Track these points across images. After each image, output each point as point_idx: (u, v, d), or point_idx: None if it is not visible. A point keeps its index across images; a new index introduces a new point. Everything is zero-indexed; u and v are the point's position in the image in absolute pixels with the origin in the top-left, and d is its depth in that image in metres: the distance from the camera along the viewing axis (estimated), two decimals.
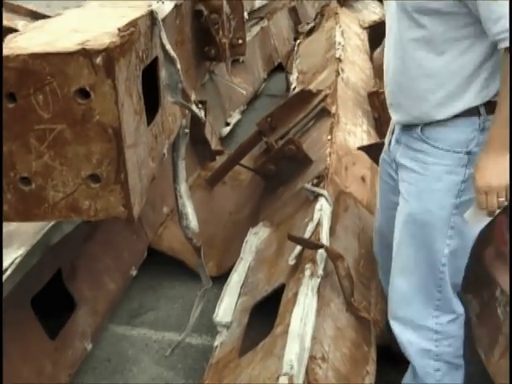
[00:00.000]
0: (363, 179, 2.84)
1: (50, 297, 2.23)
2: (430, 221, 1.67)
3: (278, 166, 2.87)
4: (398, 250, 1.80)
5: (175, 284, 2.91)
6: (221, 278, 2.69)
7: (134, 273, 2.74)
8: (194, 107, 1.84)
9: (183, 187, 2.19)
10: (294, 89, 4.05)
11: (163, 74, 1.84)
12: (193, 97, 2.16)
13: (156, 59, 1.82)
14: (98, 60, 1.44)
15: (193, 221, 2.19)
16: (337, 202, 2.50)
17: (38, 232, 2.09)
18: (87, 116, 1.46)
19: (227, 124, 4.32)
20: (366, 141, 3.21)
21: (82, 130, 1.46)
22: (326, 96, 3.18)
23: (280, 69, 5.75)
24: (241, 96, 4.63)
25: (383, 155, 1.95)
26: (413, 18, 1.57)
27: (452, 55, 1.55)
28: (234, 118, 4.45)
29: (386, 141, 1.95)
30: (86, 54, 1.44)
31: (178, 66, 1.77)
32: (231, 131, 4.35)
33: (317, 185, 2.54)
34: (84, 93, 1.44)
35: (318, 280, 1.96)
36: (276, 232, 2.62)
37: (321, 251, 2.07)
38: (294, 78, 4.29)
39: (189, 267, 2.90)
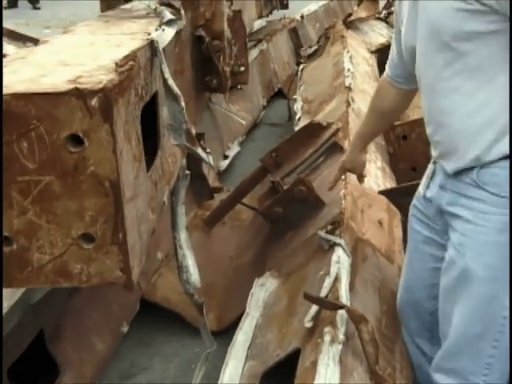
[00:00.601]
0: (380, 223, 2.77)
1: (29, 362, 2.08)
2: (493, 276, 1.62)
3: (287, 208, 2.79)
4: (447, 306, 1.75)
5: (171, 340, 2.81)
6: (222, 334, 2.68)
7: (125, 329, 2.62)
8: (200, 151, 1.72)
9: (183, 236, 2.12)
10: (299, 119, 4.02)
11: (164, 112, 1.75)
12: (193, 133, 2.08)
13: (155, 94, 1.74)
14: (94, 102, 1.32)
15: (194, 274, 2.11)
16: (354, 251, 2.40)
17: (17, 289, 1.96)
18: (80, 166, 1.34)
19: (225, 157, 4.28)
20: (381, 179, 3.15)
21: (74, 182, 1.35)
22: (337, 130, 3.10)
23: (280, 95, 5.74)
24: (239, 126, 4.62)
25: (415, 202, 1.91)
26: (452, 48, 1.54)
27: (504, 79, 1.52)
28: (233, 150, 4.41)
29: (422, 186, 1.86)
30: (79, 94, 1.32)
31: (183, 103, 1.69)
32: (230, 165, 4.32)
33: (332, 232, 2.45)
34: (76, 139, 1.33)
35: (340, 347, 1.83)
36: (285, 284, 2.52)
37: (341, 312, 1.95)
38: (298, 106, 4.25)
39: (186, 320, 2.81)
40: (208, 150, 1.83)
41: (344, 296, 2.05)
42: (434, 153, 1.80)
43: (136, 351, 2.72)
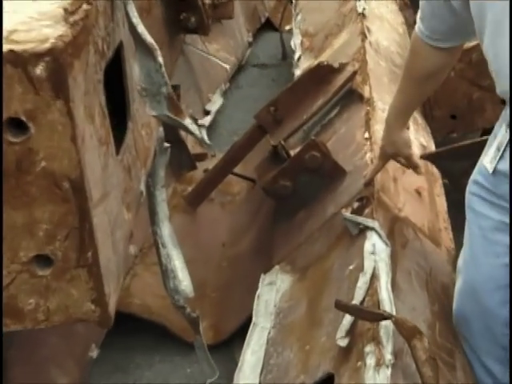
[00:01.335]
0: (419, 193, 2.66)
1: None
2: None
3: (296, 181, 2.67)
4: None
5: (154, 361, 2.73)
6: (220, 348, 2.63)
7: (94, 354, 2.53)
8: (189, 123, 1.57)
9: (166, 230, 2.06)
10: (299, 59, 3.86)
11: (135, 71, 1.61)
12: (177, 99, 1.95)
13: (120, 45, 1.61)
14: (39, 70, 1.15)
15: (184, 280, 2.04)
16: (390, 234, 2.27)
17: None
18: (25, 163, 1.21)
19: (206, 112, 4.11)
20: (413, 133, 2.97)
21: (18, 185, 1.21)
22: (354, 73, 2.96)
23: (269, 27, 5.60)
24: (221, 71, 4.50)
25: (477, 178, 1.87)
26: None
27: None
28: (215, 103, 4.27)
29: (489, 159, 1.78)
30: (16, 60, 1.15)
31: (160, 58, 1.56)
32: (212, 122, 4.16)
33: (360, 211, 2.33)
34: (17, 125, 1.19)
35: (389, 371, 1.71)
36: (302, 282, 2.41)
37: (385, 323, 1.82)
38: (296, 42, 4.09)
39: (172, 333, 2.73)
40: (200, 122, 1.67)
41: (387, 300, 1.92)
42: (508, 115, 1.72)
43: (111, 378, 2.64)
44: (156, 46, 1.56)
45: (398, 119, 2.18)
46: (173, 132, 3.31)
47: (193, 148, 3.72)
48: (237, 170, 3.36)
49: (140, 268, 2.91)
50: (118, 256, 1.45)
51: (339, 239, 2.38)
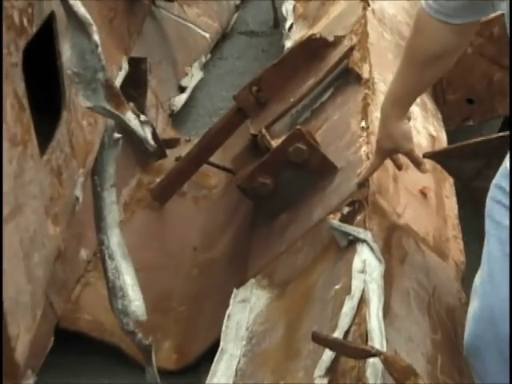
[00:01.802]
0: (424, 194, 2.60)
1: None
2: None
3: (278, 178, 2.59)
4: None
5: None
6: (187, 372, 2.63)
7: (30, 382, 2.40)
8: (131, 118, 1.48)
9: (115, 238, 2.03)
10: (291, 28, 3.83)
11: (66, 52, 1.52)
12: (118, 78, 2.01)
13: (51, 17, 1.57)
14: None
15: (135, 299, 2.05)
16: (387, 246, 2.23)
17: None
18: None
19: (181, 89, 4.10)
20: (419, 120, 2.94)
21: None
22: (351, 48, 2.88)
23: None
24: (201, 40, 4.45)
25: (500, 181, 1.83)
26: None
27: None
28: (193, 77, 4.23)
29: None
30: None
31: (95, 36, 1.51)
32: (188, 101, 4.13)
33: (350, 217, 2.26)
34: None
35: None
36: (281, 299, 2.34)
37: (374, 360, 1.75)
38: (287, 8, 4.06)
39: (126, 355, 2.65)
40: (143, 118, 1.57)
41: (377, 331, 1.84)
42: None
43: None
44: (91, 21, 1.49)
45: (396, 108, 2.11)
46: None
47: (163, 131, 3.71)
48: (214, 158, 3.31)
49: (93, 276, 2.84)
50: (34, 284, 1.35)
51: (325, 250, 2.31)
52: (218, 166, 3.35)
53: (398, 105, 2.11)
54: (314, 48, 2.97)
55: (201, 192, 3.41)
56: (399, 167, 2.31)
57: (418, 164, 2.26)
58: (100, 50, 1.48)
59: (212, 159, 3.29)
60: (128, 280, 1.99)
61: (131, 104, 1.55)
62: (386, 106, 2.14)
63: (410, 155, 2.23)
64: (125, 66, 2.21)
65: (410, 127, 2.19)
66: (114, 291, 1.96)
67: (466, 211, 2.65)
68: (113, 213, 2.01)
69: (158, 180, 3.34)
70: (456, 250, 2.50)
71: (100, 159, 1.92)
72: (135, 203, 3.25)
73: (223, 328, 2.38)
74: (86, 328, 2.68)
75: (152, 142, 1.67)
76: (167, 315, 2.81)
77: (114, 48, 2.22)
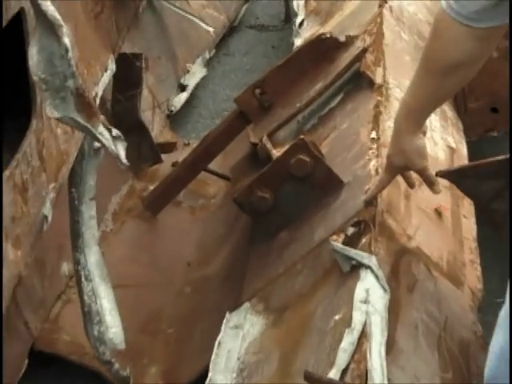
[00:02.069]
0: (439, 213, 2.56)
1: None
2: None
3: (278, 192, 2.56)
4: None
5: None
6: None
7: None
8: (102, 131, 1.43)
9: (93, 258, 2.02)
10: (301, 24, 3.79)
11: (33, 55, 1.48)
12: (98, 90, 2.11)
13: (20, 17, 1.57)
14: None
15: (113, 326, 2.03)
16: (394, 273, 2.19)
17: None
18: None
19: (182, 88, 4.09)
20: (438, 133, 2.91)
21: None
22: (364, 50, 2.85)
23: None
24: (205, 34, 4.42)
25: None
26: None
27: None
28: (194, 74, 4.22)
29: None
30: None
31: (66, 40, 1.46)
32: (189, 101, 4.13)
33: (355, 239, 2.23)
34: None
35: None
36: (276, 327, 2.31)
37: None
38: (299, 2, 4.00)
39: (107, 381, 2.55)
40: (115, 133, 1.52)
41: (378, 370, 1.81)
42: None
43: None
44: (61, 22, 1.44)
45: (410, 121, 2.07)
46: (131, 113, 3.31)
47: (160, 134, 3.71)
48: (214, 165, 3.31)
49: (75, 292, 2.69)
50: None
51: (326, 275, 2.27)
52: (217, 174, 3.35)
53: (413, 118, 2.07)
54: (324, 49, 2.95)
55: (198, 202, 3.40)
56: (411, 185, 2.26)
57: (430, 184, 2.20)
58: (71, 54, 1.45)
59: (211, 166, 3.29)
60: (106, 304, 1.96)
61: (102, 117, 1.50)
62: (399, 118, 2.10)
63: (423, 174, 2.18)
64: (111, 67, 2.17)
65: (424, 143, 2.14)
66: (89, 316, 1.94)
67: (485, 231, 2.58)
68: (91, 229, 2.00)
69: (151, 187, 3.33)
70: (473, 276, 2.46)
71: (79, 170, 1.91)
72: (125, 212, 3.23)
73: (213, 356, 2.34)
74: (65, 350, 2.67)
75: (124, 161, 1.62)
76: (155, 337, 2.80)
77: (99, 46, 2.18)
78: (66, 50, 1.43)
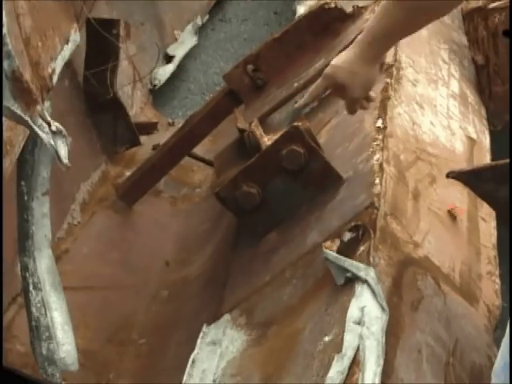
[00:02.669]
0: (453, 216, 2.57)
1: None
2: None
3: (267, 187, 2.55)
4: None
5: None
6: None
7: None
8: (37, 124, 1.37)
9: (44, 263, 2.00)
10: None
11: None
12: (55, 65, 2.05)
13: None
14: None
15: (65, 343, 1.99)
16: (396, 287, 2.17)
17: None
18: None
19: (168, 58, 4.09)
20: (457, 119, 2.91)
21: None
22: None
23: None
24: None
25: None
26: None
27: None
28: (183, 43, 4.22)
29: None
30: None
31: None
32: (176, 73, 4.11)
33: (351, 246, 2.21)
34: None
35: None
36: (259, 345, 2.29)
37: None
38: None
39: None
40: (55, 127, 1.46)
41: None
42: None
43: None
44: None
45: (373, 48, 2.20)
46: (104, 87, 3.27)
47: (140, 111, 3.70)
48: (201, 149, 3.32)
49: None
50: None
51: (318, 287, 2.24)
52: (202, 160, 3.34)
53: (376, 45, 2.19)
54: (327, 20, 2.95)
55: (180, 191, 3.41)
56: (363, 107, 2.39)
57: (348, 112, 2.37)
58: (5, 30, 1.39)
59: (198, 150, 3.29)
60: (58, 317, 1.94)
61: (40, 107, 1.42)
62: (363, 42, 2.21)
63: (351, 103, 2.33)
64: (74, 38, 2.10)
65: (376, 76, 2.29)
66: (37, 331, 1.92)
67: (504, 232, 2.55)
68: (43, 229, 1.97)
69: (127, 174, 3.32)
70: (490, 290, 2.45)
71: (30, 159, 1.88)
72: (96, 202, 3.20)
73: (185, 376, 2.32)
74: (18, 363, 2.55)
75: (65, 161, 1.55)
76: (125, 348, 2.78)
77: (59, 14, 2.10)
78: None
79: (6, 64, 1.39)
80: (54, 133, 1.50)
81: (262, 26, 4.55)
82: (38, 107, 1.43)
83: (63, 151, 1.53)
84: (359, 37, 2.24)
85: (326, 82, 2.30)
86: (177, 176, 3.34)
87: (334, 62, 2.27)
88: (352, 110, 2.36)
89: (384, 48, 2.25)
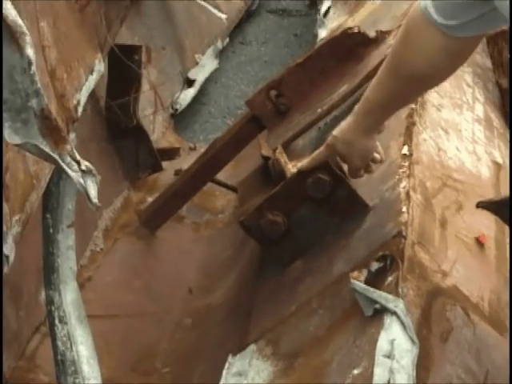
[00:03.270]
0: (480, 244, 2.53)
1: None
2: None
3: (292, 216, 2.54)
4: None
5: None
6: None
7: None
8: (70, 162, 1.37)
9: (70, 296, 1.98)
10: (327, 14, 3.78)
11: None
12: (80, 97, 2.08)
13: None
14: None
15: (91, 377, 1.96)
16: (425, 318, 2.14)
17: None
18: None
19: (189, 82, 4.08)
20: (482, 145, 2.89)
21: None
22: None
23: None
24: (217, 20, 4.44)
25: None
26: None
27: None
28: (204, 67, 4.22)
29: None
30: None
31: (30, 51, 1.40)
32: (198, 97, 4.11)
33: (378, 277, 2.20)
34: None
35: None
36: (286, 376, 2.25)
37: None
38: None
39: None
40: (85, 167, 1.45)
41: None
42: None
43: None
44: (24, 29, 1.42)
45: (369, 119, 2.23)
46: (126, 113, 3.28)
47: (162, 136, 3.70)
48: (223, 174, 3.29)
49: None
50: None
51: (346, 318, 2.22)
52: (225, 186, 3.33)
53: (372, 116, 2.21)
54: (350, 45, 2.93)
55: (203, 217, 3.40)
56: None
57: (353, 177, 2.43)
58: (34, 68, 1.38)
59: (220, 175, 3.27)
60: (83, 351, 1.91)
61: (70, 146, 1.41)
62: (359, 112, 2.24)
63: (352, 172, 2.39)
64: (98, 68, 2.11)
65: (373, 146, 2.32)
66: (63, 366, 1.89)
67: None
68: (68, 261, 1.95)
69: (150, 200, 3.32)
70: None
71: (55, 191, 1.88)
72: (119, 229, 3.20)
73: None
74: None
75: (95, 200, 1.53)
76: (148, 378, 2.77)
77: (83, 44, 2.12)
78: (29, 64, 1.37)
79: (34, 102, 1.38)
80: (83, 172, 1.48)
81: (282, 48, 4.57)
82: (68, 146, 1.41)
83: (93, 191, 1.51)
84: (356, 107, 2.26)
85: (327, 152, 2.34)
86: (199, 202, 3.33)
87: (334, 131, 2.29)
88: (354, 177, 2.40)
89: (380, 119, 2.25)
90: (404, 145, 2.60)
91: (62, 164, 1.41)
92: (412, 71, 2.05)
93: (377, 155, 2.34)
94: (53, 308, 1.91)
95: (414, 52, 2.02)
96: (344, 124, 2.27)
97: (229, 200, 3.40)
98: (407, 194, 2.40)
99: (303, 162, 2.42)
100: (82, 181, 1.47)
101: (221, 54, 4.42)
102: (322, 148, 2.36)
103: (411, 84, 2.11)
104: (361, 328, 2.13)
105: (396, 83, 2.11)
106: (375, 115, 2.21)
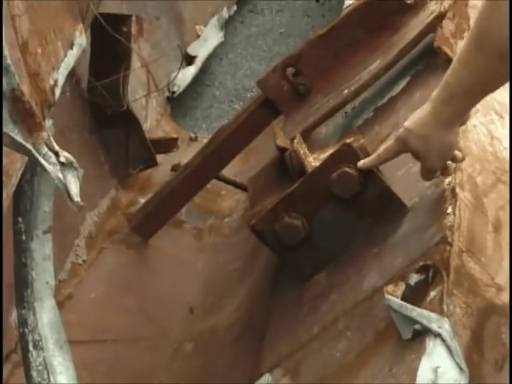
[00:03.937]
0: None
1: None
2: None
3: (314, 219, 2.57)
4: None
5: None
6: None
7: None
8: (42, 153, 1.39)
9: (46, 316, 2.01)
10: None
11: None
12: (57, 76, 2.10)
13: None
14: None
15: None
16: (475, 341, 2.13)
17: None
18: None
19: (188, 59, 4.12)
20: None
21: None
22: (440, 16, 2.83)
23: None
24: None
25: None
26: None
27: None
28: (207, 41, 4.27)
29: None
30: None
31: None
32: (199, 77, 4.17)
33: (419, 292, 2.20)
34: None
35: None
36: None
37: None
38: None
39: None
40: (64, 158, 1.47)
41: None
42: None
43: None
44: None
45: (450, 108, 2.17)
46: (113, 97, 3.34)
47: (156, 124, 3.74)
48: (230, 170, 3.35)
49: None
50: None
51: (379, 341, 2.25)
52: (233, 184, 3.38)
53: (454, 104, 2.15)
54: (383, 13, 2.95)
55: (206, 222, 3.44)
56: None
57: (424, 178, 2.40)
58: (3, 42, 1.39)
59: (226, 171, 3.32)
60: (63, 381, 1.94)
61: (46, 133, 1.43)
62: (437, 101, 2.18)
63: (427, 171, 2.35)
64: (79, 41, 2.12)
65: (455, 142, 2.28)
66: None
67: None
68: (45, 274, 1.97)
69: (142, 201, 3.35)
70: None
71: (28, 190, 1.90)
72: (105, 236, 3.23)
73: None
74: None
75: (77, 199, 1.55)
76: None
77: (61, 14, 2.12)
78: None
79: (4, 81, 1.40)
80: (62, 164, 1.50)
81: (301, 18, 4.56)
82: (44, 134, 1.43)
83: (74, 187, 1.53)
84: (434, 93, 2.21)
85: (398, 147, 2.32)
86: (201, 203, 3.38)
87: (407, 123, 2.26)
88: (427, 179, 2.39)
89: (464, 108, 2.20)
90: None
91: (37, 155, 1.43)
92: (503, 44, 1.96)
93: (458, 153, 2.32)
94: (26, 331, 1.93)
95: (502, 20, 1.92)
96: (419, 113, 2.25)
97: (237, 201, 3.43)
98: (453, 191, 2.40)
99: (325, 155, 2.42)
100: (60, 175, 1.50)
101: (227, 25, 4.44)
102: (390, 142, 2.35)
103: (502, 61, 2.00)
104: (398, 353, 2.14)
105: (482, 62, 2.05)
106: (458, 103, 2.17)
